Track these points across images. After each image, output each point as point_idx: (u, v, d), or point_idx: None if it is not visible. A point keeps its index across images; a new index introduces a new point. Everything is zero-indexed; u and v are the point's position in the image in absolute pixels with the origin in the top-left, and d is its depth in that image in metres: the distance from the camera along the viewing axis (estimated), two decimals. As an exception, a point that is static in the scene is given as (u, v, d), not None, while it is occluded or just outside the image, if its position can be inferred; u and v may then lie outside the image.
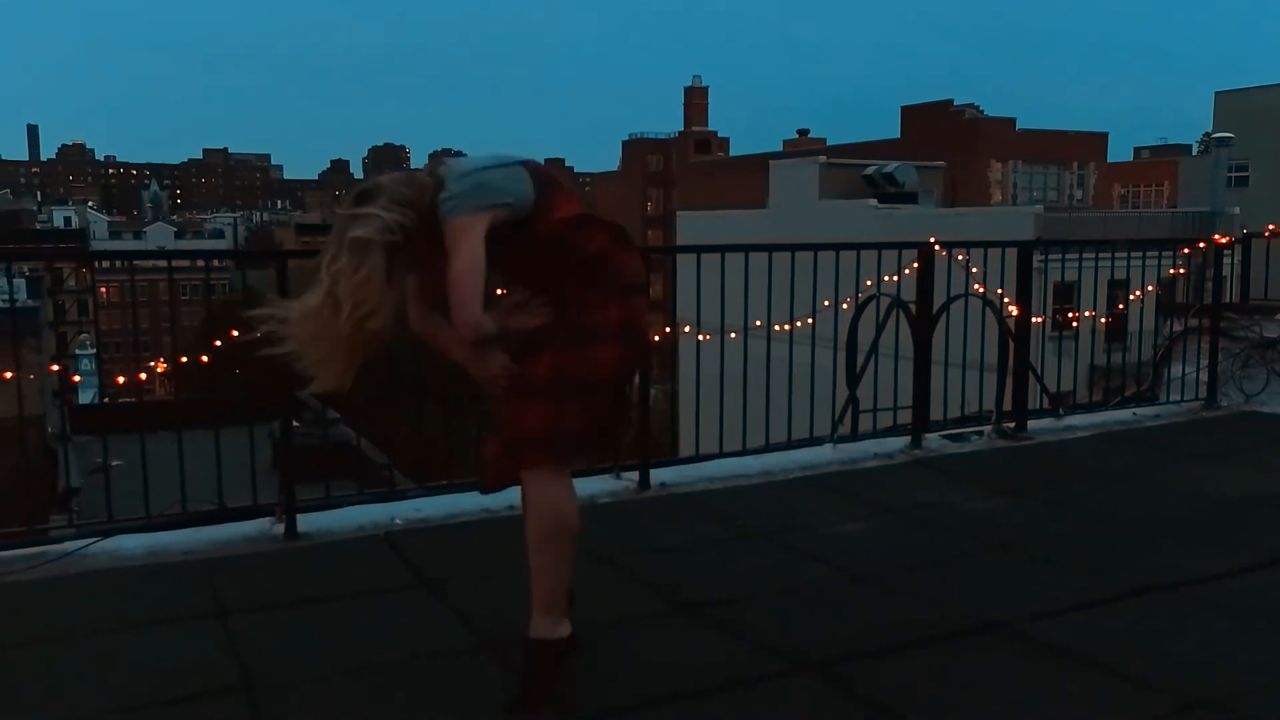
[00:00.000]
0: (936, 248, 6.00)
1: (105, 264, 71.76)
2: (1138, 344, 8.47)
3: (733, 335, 5.65)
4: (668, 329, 5.75)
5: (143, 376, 4.61)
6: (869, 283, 6.03)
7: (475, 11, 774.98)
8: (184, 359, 4.78)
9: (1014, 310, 6.37)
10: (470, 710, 2.81)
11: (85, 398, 43.89)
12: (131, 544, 4.37)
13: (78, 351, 52.68)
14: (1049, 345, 7.10)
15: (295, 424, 4.78)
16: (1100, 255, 7.87)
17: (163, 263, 4.98)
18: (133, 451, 4.48)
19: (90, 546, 4.32)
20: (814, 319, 6.03)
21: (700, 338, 5.67)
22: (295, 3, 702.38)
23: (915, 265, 6.01)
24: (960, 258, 6.38)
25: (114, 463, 5.23)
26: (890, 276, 6.10)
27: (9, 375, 4.00)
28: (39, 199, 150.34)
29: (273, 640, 3.33)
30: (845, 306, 6.28)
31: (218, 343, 4.47)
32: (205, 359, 4.51)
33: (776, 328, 5.87)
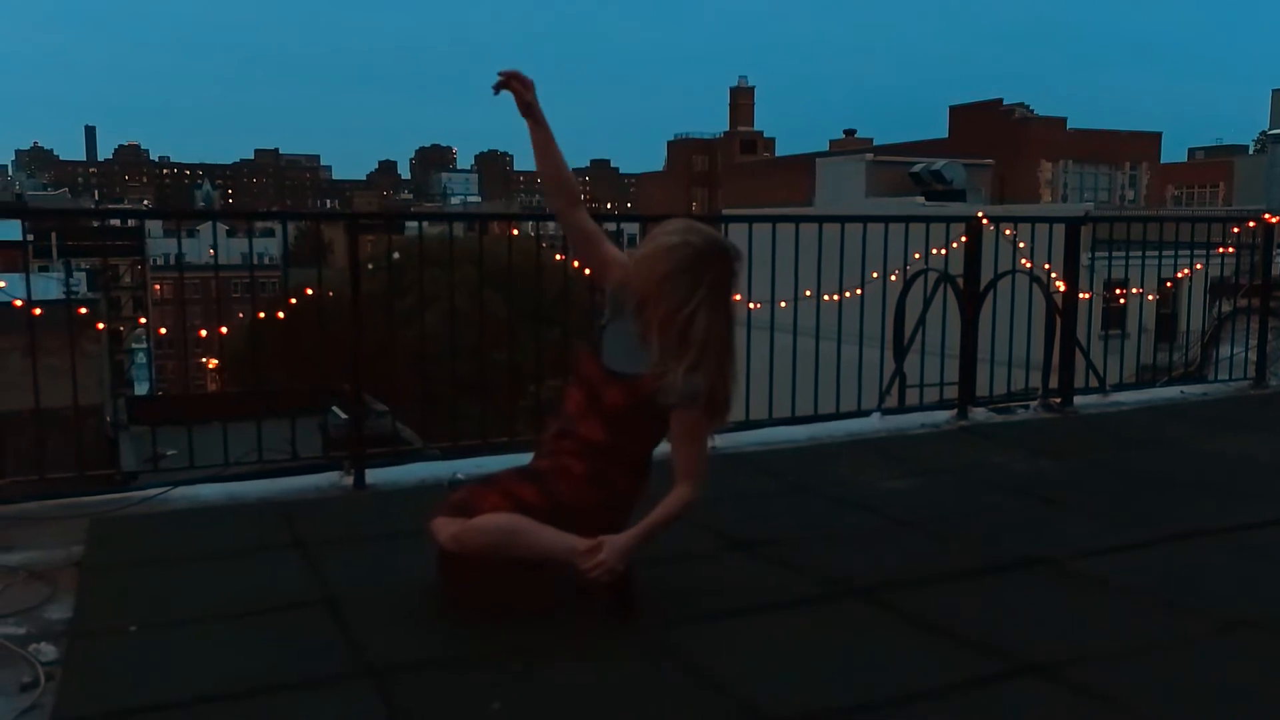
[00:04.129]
0: (984, 221, 6.11)
1: (159, 261, 73.23)
2: (1186, 343, 8.50)
3: (783, 304, 5.80)
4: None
5: (222, 331, 4.83)
6: (917, 255, 6.15)
7: (523, 12, 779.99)
8: (261, 314, 5.01)
9: (1061, 286, 6.46)
10: (533, 624, 3.01)
11: (140, 391, 44.85)
12: (210, 491, 4.62)
13: (134, 345, 53.75)
14: (1100, 344, 7.14)
15: (343, 415, 5.00)
16: (1148, 253, 7.87)
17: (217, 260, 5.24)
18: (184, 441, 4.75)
19: (170, 492, 4.57)
20: (862, 289, 6.16)
21: (751, 306, 5.83)
22: (346, 5, 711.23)
23: (963, 239, 6.12)
24: (1008, 233, 6.47)
25: (169, 452, 5.50)
26: (939, 250, 6.22)
27: (101, 325, 4.24)
28: (95, 198, 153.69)
29: (350, 566, 3.55)
30: (894, 279, 6.41)
31: (293, 301, 4.70)
32: (281, 315, 4.74)
33: (826, 298, 6.01)
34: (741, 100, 71.20)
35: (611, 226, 5.24)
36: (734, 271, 3.04)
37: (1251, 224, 7.38)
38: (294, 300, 4.60)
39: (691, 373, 2.93)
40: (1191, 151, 68.88)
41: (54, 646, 2.86)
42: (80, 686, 2.61)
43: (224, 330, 4.46)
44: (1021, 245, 6.46)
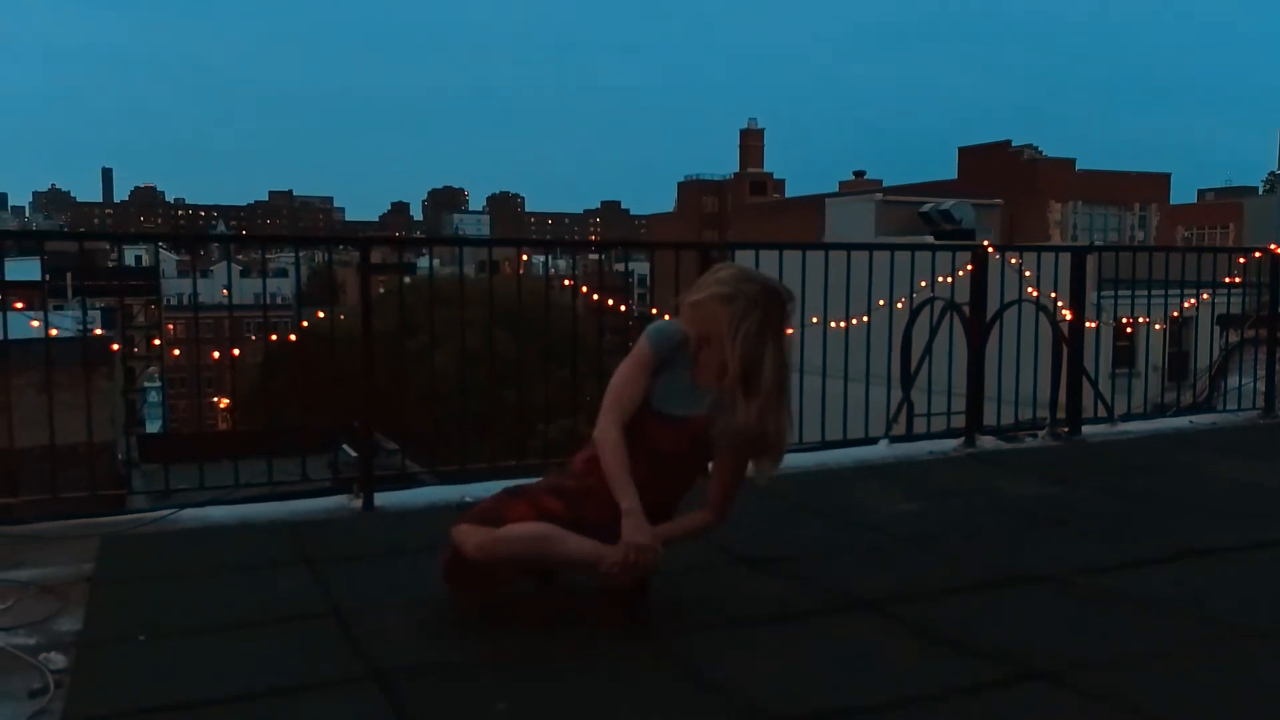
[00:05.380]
0: (989, 250, 6.16)
1: (172, 301, 73.89)
2: (1194, 377, 8.49)
3: (789, 331, 5.83)
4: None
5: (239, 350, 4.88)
6: (923, 284, 6.20)
7: (534, 57, 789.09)
8: (274, 336, 5.06)
9: (1068, 315, 6.48)
10: (539, 631, 3.03)
11: (152, 429, 44.97)
12: (220, 512, 4.66)
13: (146, 384, 54.03)
14: (1109, 382, 7.16)
15: (353, 453, 5.05)
16: (1154, 291, 7.91)
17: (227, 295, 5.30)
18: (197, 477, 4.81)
19: (181, 513, 4.61)
20: (869, 316, 6.21)
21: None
22: (358, 50, 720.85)
23: (969, 268, 6.15)
24: (1013, 261, 6.52)
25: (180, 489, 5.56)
26: (944, 278, 6.26)
27: (116, 346, 4.30)
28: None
29: (357, 581, 3.58)
30: (900, 306, 6.44)
31: (305, 324, 4.75)
32: (292, 338, 4.79)
33: (834, 324, 6.05)
34: (751, 142, 71.68)
35: (620, 266, 5.29)
36: (789, 314, 3.12)
37: (1258, 254, 7.41)
38: (306, 323, 4.65)
39: (763, 414, 3.01)
40: (1201, 193, 69.06)
41: (63, 656, 2.89)
42: (88, 691, 2.64)
43: (236, 352, 4.50)
44: (1028, 274, 6.50)
